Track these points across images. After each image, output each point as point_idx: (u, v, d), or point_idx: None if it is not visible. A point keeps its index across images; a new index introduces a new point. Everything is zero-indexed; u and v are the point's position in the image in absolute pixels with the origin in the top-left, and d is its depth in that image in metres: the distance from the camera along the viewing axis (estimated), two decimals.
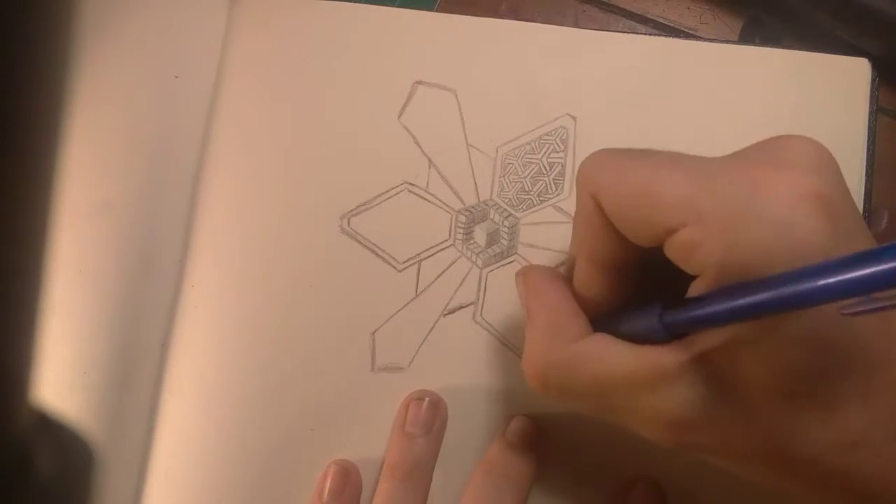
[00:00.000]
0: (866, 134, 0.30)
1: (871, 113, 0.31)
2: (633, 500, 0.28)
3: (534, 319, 0.24)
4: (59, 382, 0.29)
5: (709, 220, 0.19)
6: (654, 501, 0.28)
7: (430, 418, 0.28)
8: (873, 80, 0.31)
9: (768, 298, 0.17)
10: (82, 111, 0.31)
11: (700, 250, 0.19)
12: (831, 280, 0.16)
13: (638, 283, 0.23)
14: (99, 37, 0.32)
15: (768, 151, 0.20)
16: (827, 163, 0.19)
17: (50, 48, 0.12)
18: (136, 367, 0.30)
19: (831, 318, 0.18)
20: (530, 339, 0.23)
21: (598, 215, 0.22)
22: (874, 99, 0.31)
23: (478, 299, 0.30)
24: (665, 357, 0.20)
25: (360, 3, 0.32)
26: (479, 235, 0.30)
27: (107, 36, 0.32)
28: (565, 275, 0.25)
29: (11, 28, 0.11)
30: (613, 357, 0.21)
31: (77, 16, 0.13)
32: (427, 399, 0.29)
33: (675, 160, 0.21)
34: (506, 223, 0.31)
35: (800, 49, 0.31)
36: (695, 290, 0.20)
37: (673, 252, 0.20)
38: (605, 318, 0.23)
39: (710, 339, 0.19)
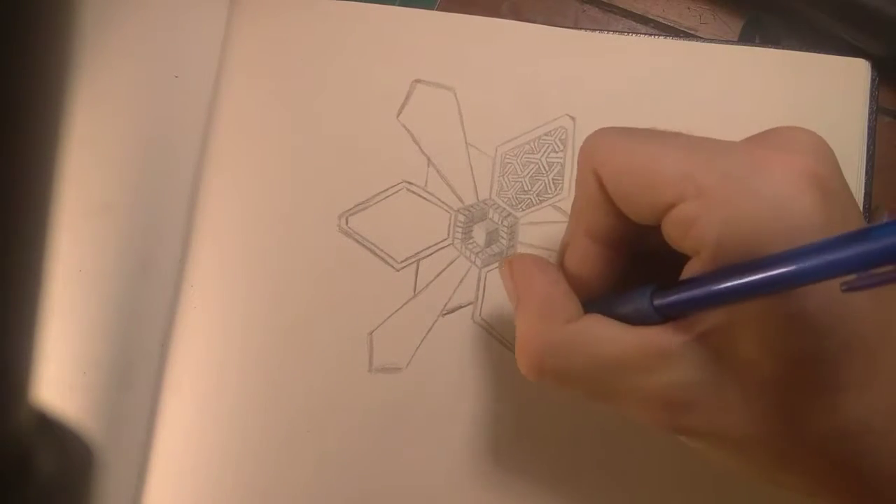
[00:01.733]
0: (866, 134, 0.30)
1: (871, 113, 0.31)
2: None
3: (525, 304, 0.23)
4: (59, 382, 0.29)
5: (708, 194, 0.19)
6: None
7: None
8: (873, 81, 0.31)
9: (764, 278, 0.17)
10: (82, 111, 0.31)
11: (698, 225, 0.19)
12: (825, 259, 0.16)
13: (630, 270, 0.23)
14: (99, 37, 0.32)
15: (768, 137, 0.21)
16: (824, 148, 0.20)
17: (50, 48, 0.12)
18: (136, 367, 0.30)
19: (831, 303, 0.18)
20: (523, 324, 0.23)
21: (598, 191, 0.22)
22: (874, 99, 0.31)
23: (477, 299, 0.30)
24: (666, 337, 0.20)
25: (360, 1, 0.32)
26: (478, 235, 0.30)
27: (107, 36, 0.32)
28: (555, 263, 0.25)
29: (11, 28, 0.11)
30: (612, 337, 0.21)
31: (77, 16, 0.13)
32: None
33: (677, 137, 0.21)
34: (505, 223, 0.31)
35: (800, 49, 0.31)
36: (690, 269, 0.20)
37: (670, 228, 0.20)
38: (596, 303, 0.23)
39: (709, 320, 0.19)
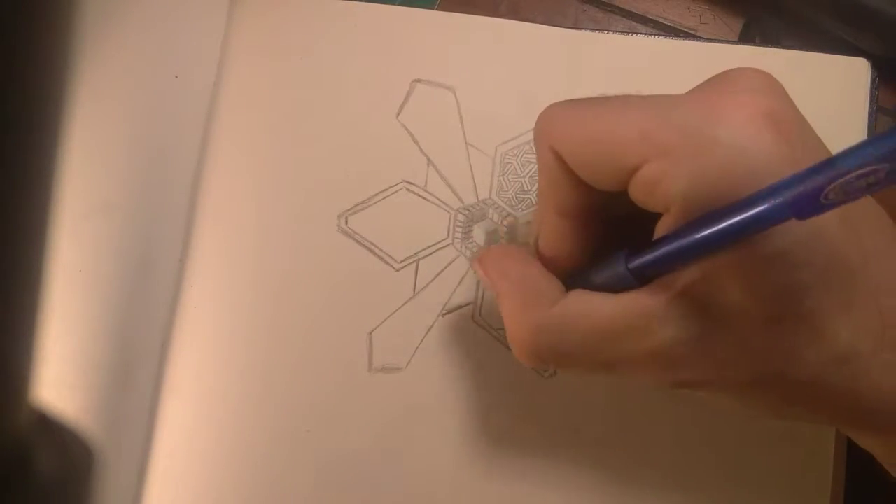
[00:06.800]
0: (866, 134, 0.30)
1: (871, 113, 0.31)
2: None
3: (506, 296, 0.23)
4: (59, 382, 0.29)
5: (669, 151, 0.19)
6: None
7: None
8: (873, 80, 0.31)
9: (734, 224, 0.17)
10: (82, 111, 0.31)
11: (663, 183, 0.19)
12: (792, 193, 0.16)
13: (605, 239, 0.23)
14: (99, 37, 0.32)
15: (718, 81, 0.20)
16: (774, 85, 0.20)
17: (50, 48, 0.12)
18: (136, 367, 0.30)
19: (804, 235, 0.18)
20: (509, 315, 0.23)
21: (559, 166, 0.22)
22: (874, 99, 0.31)
23: (476, 299, 0.30)
24: (646, 300, 0.20)
25: (360, 1, 0.32)
26: (478, 234, 0.30)
27: (107, 36, 0.32)
28: (526, 249, 0.25)
29: (11, 28, 0.11)
30: (597, 309, 0.21)
31: (77, 16, 0.13)
32: None
33: (628, 100, 0.21)
34: (505, 223, 0.31)
35: (800, 49, 0.31)
36: (662, 227, 0.20)
37: (637, 191, 0.20)
38: (574, 278, 0.23)
39: (688, 275, 0.19)
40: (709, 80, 0.21)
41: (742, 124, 0.19)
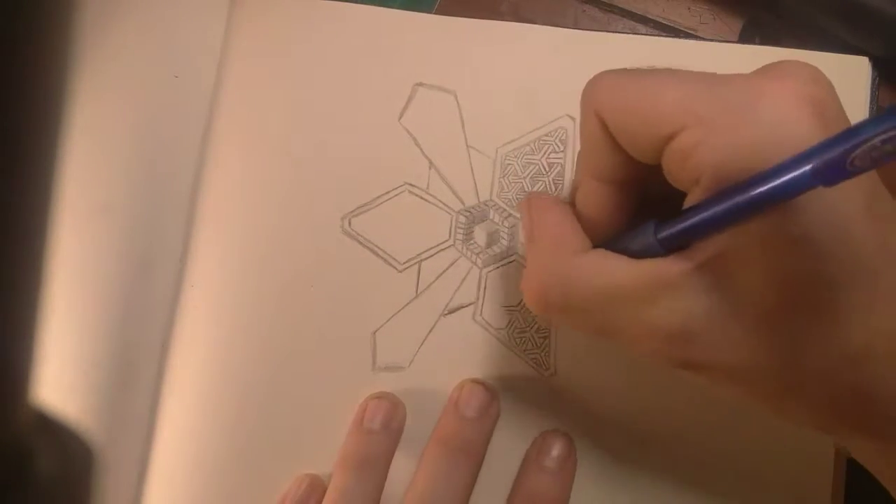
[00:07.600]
0: None
1: (871, 113, 0.31)
2: (544, 447, 0.28)
3: (536, 240, 0.23)
4: (59, 382, 0.29)
5: (706, 121, 0.19)
6: (567, 450, 0.28)
7: (387, 416, 0.28)
8: (873, 80, 0.31)
9: (758, 193, 0.17)
10: (83, 111, 0.31)
11: (697, 152, 0.19)
12: (813, 162, 0.16)
13: (638, 211, 0.23)
14: (99, 37, 0.32)
15: (767, 68, 0.21)
16: (820, 76, 0.20)
17: (50, 48, 0.12)
18: (136, 367, 0.30)
19: (830, 226, 0.18)
20: (532, 257, 0.23)
21: (601, 132, 0.22)
22: (874, 99, 0.31)
23: (478, 299, 0.30)
24: (666, 267, 0.20)
25: (360, 4, 0.32)
26: (479, 236, 0.30)
27: (107, 36, 0.32)
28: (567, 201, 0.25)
29: (11, 28, 0.11)
30: (614, 268, 0.21)
31: (77, 16, 0.13)
32: (387, 399, 0.29)
33: (674, 72, 0.21)
34: (505, 223, 0.31)
35: (800, 49, 0.31)
36: (690, 199, 0.20)
37: (670, 161, 0.20)
38: (605, 242, 0.23)
39: (710, 249, 0.19)
40: (758, 69, 0.21)
41: (783, 105, 0.19)
